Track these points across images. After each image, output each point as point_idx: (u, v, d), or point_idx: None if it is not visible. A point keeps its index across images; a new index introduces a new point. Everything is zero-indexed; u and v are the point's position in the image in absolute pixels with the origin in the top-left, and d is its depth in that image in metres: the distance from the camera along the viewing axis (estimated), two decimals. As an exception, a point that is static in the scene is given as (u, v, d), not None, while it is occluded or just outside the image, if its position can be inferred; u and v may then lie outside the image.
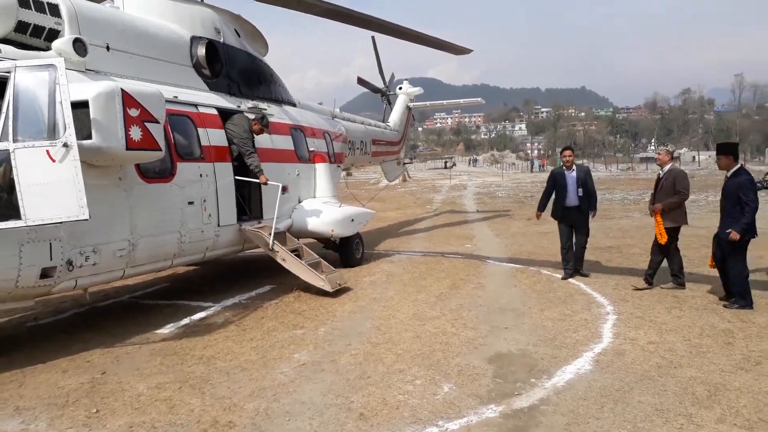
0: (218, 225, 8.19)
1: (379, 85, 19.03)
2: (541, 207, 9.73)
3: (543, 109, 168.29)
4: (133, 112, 6.30)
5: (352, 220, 10.81)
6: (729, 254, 7.28)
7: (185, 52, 8.59)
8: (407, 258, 11.63)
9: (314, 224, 10.17)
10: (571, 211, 9.28)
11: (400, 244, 13.97)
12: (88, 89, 5.99)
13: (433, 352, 5.87)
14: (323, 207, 10.50)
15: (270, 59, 11.06)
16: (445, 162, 79.14)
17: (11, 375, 5.47)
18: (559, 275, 9.33)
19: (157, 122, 6.61)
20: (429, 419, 4.37)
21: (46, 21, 6.67)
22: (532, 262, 10.76)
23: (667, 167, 8.38)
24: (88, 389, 5.09)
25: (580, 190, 9.18)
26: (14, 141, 5.32)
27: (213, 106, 8.64)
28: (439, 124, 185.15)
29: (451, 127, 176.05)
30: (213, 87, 9.03)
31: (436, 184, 42.74)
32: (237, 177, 8.61)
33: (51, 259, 5.84)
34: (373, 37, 16.96)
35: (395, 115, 18.73)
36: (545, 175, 10.10)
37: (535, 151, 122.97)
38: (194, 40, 8.72)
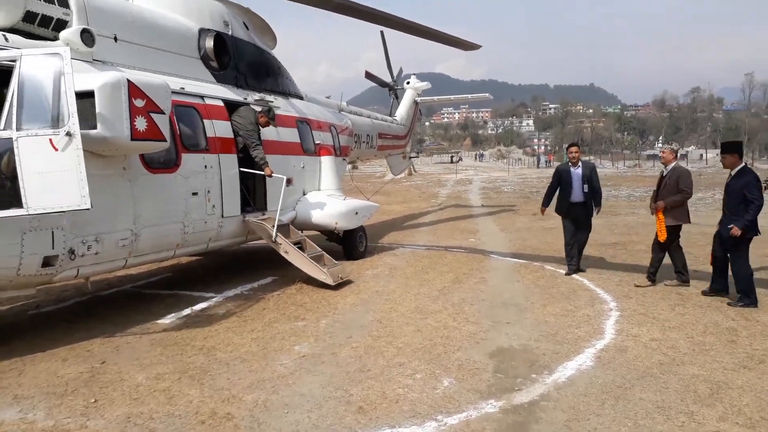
0: (222, 216, 8.18)
1: (387, 79, 18.96)
2: (546, 202, 9.70)
3: (551, 106, 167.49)
4: (139, 103, 6.28)
5: (356, 213, 10.79)
6: (732, 251, 7.25)
7: (193, 44, 8.58)
8: (411, 251, 11.61)
9: (318, 217, 10.16)
10: (576, 207, 9.24)
11: (403, 237, 13.94)
12: (94, 79, 5.97)
13: (434, 346, 5.84)
14: (327, 200, 10.48)
15: (280, 52, 11.03)
16: (452, 156, 79.08)
17: (11, 363, 5.47)
18: (562, 271, 9.29)
19: (163, 113, 6.59)
20: (428, 413, 4.34)
21: (55, 11, 6.68)
22: (536, 257, 10.72)
23: (671, 165, 8.33)
24: (87, 378, 5.09)
25: (586, 186, 9.15)
26: (18, 129, 5.31)
27: (219, 97, 8.63)
28: (446, 119, 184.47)
29: (459, 122, 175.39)
30: (220, 79, 9.02)
31: (441, 178, 42.69)
32: (242, 169, 8.59)
33: (53, 248, 5.84)
34: (382, 32, 16.89)
35: (402, 110, 18.68)
36: (551, 171, 10.05)
37: (542, 147, 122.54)
38: (202, 32, 8.71)
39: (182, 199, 7.49)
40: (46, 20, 6.61)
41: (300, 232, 9.43)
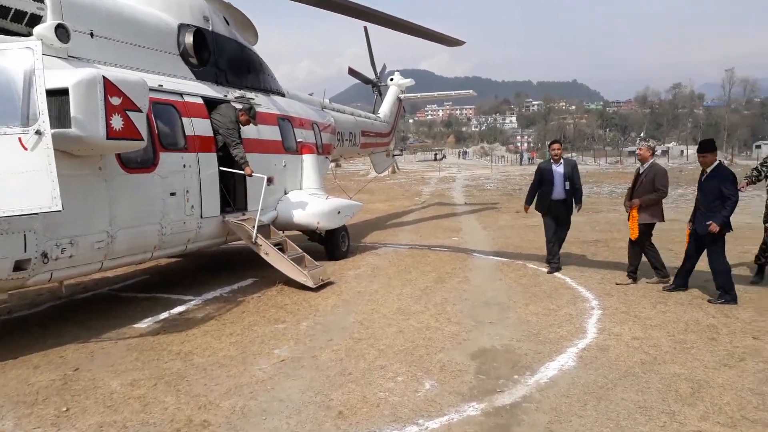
0: (201, 217, 8.04)
1: (371, 75, 18.86)
2: (529, 200, 9.70)
3: (534, 102, 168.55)
4: (115, 101, 6.12)
5: (339, 212, 10.69)
6: (709, 248, 7.32)
7: (172, 40, 8.41)
8: (393, 251, 11.54)
9: (300, 216, 10.05)
10: (557, 204, 9.26)
11: (387, 236, 13.88)
12: (68, 76, 5.82)
13: (416, 347, 5.78)
14: (309, 199, 10.37)
15: (262, 49, 10.88)
16: (435, 154, 79.08)
17: (-20, 371, 5.32)
18: (545, 269, 9.28)
19: (140, 111, 6.44)
20: (409, 417, 4.28)
21: (28, 6, 6.47)
22: (518, 255, 10.71)
23: (647, 163, 8.36)
24: (60, 386, 4.95)
25: (567, 183, 9.16)
26: (-16, 128, 5.14)
27: (199, 95, 8.47)
28: (430, 116, 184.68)
29: (442, 119, 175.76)
30: (200, 76, 8.85)
31: (425, 176, 42.67)
32: (221, 168, 8.46)
33: (25, 251, 5.67)
34: (365, 28, 16.77)
35: (386, 107, 18.58)
36: (534, 168, 10.06)
37: (525, 144, 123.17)
38: (182, 27, 8.53)
39: (160, 200, 7.34)
40: (19, 15, 6.40)
41: (281, 232, 9.32)
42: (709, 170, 7.44)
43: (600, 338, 5.96)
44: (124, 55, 7.43)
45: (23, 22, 6.44)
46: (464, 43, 15.12)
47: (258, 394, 4.73)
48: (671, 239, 10.90)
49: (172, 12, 8.50)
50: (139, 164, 7.08)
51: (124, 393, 4.80)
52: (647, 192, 8.16)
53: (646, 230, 8.24)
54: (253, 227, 8.35)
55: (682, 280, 7.77)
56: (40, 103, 5.30)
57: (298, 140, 10.99)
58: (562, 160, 9.33)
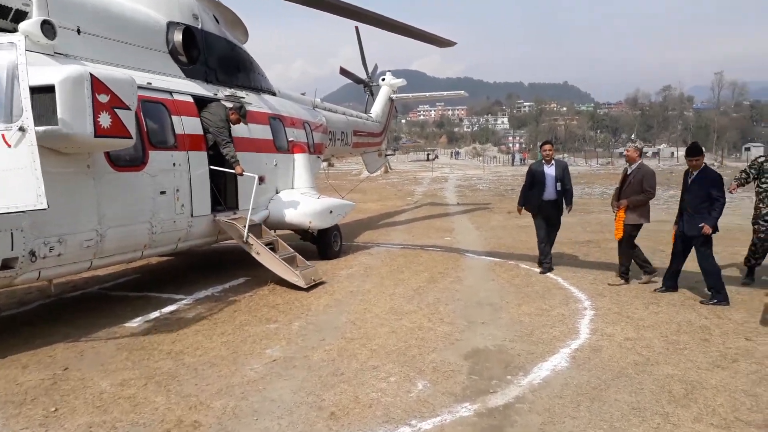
0: (191, 215, 7.97)
1: (363, 76, 18.81)
2: (522, 201, 9.68)
3: (525, 104, 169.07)
4: (103, 98, 6.05)
5: (331, 211, 10.65)
6: (699, 249, 7.37)
7: (161, 37, 8.32)
8: (386, 251, 11.51)
9: (291, 216, 9.99)
10: (548, 204, 9.27)
11: (379, 236, 13.84)
12: (55, 73, 5.73)
13: (408, 347, 5.75)
14: (301, 198, 10.32)
15: (255, 49, 10.81)
16: (428, 154, 79.26)
17: (-32, 371, 5.23)
18: (537, 269, 9.28)
19: (128, 109, 6.36)
20: (402, 418, 4.24)
21: (13, 1, 6.36)
22: (510, 255, 10.70)
23: (635, 164, 8.40)
24: (49, 386, 4.88)
25: (558, 184, 9.18)
26: (-34, 124, 5.06)
27: (189, 93, 8.39)
28: (422, 117, 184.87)
29: (434, 119, 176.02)
30: (189, 74, 8.77)
31: (417, 176, 42.68)
32: (212, 167, 8.39)
33: (12, 250, 5.57)
34: (356, 28, 16.71)
35: (377, 107, 18.54)
36: (526, 169, 10.07)
37: (517, 145, 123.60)
38: (171, 25, 8.45)
39: (150, 198, 7.27)
40: (4, 11, 6.29)
41: (273, 231, 9.26)
42: (696, 173, 7.47)
43: (593, 339, 5.95)
44: (112, 53, 7.34)
45: (8, 18, 6.34)
46: (455, 43, 15.11)
47: (249, 394, 4.68)
48: (662, 240, 10.94)
49: (161, 10, 8.42)
50: (129, 162, 7.01)
51: (114, 393, 4.73)
52: (635, 193, 8.21)
53: (633, 231, 8.30)
54: (244, 226, 8.28)
55: (671, 281, 7.80)
56: (24, 99, 5.23)
57: (290, 139, 10.93)
58: (553, 161, 9.34)
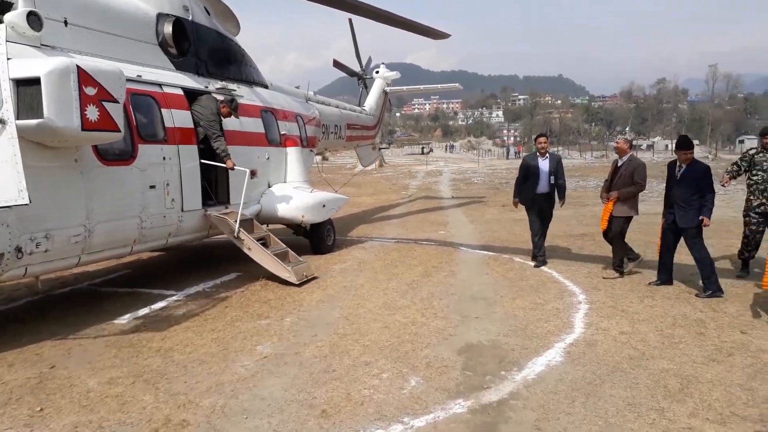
0: (182, 210, 7.86)
1: (356, 68, 18.66)
2: (517, 194, 9.61)
3: (520, 97, 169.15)
4: (90, 91, 5.92)
5: (324, 206, 10.56)
6: (692, 240, 7.35)
7: (151, 29, 8.18)
8: (380, 245, 11.43)
9: (284, 210, 9.90)
10: (542, 197, 9.21)
11: (373, 230, 13.76)
12: (40, 65, 5.60)
13: (401, 343, 5.68)
14: (294, 192, 10.22)
15: (247, 41, 10.66)
16: (422, 148, 79.20)
17: (-48, 370, 5.13)
18: (531, 263, 9.23)
19: (117, 102, 6.24)
20: (394, 416, 4.18)
21: None
22: (505, 249, 10.65)
23: (626, 156, 8.38)
24: (35, 385, 4.79)
25: (552, 177, 9.13)
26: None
27: (179, 86, 8.27)
28: (417, 110, 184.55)
29: (429, 112, 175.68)
30: (180, 66, 8.64)
31: (412, 169, 42.62)
32: (203, 161, 8.28)
33: (-3, 246, 5.48)
34: (350, 20, 16.57)
35: (371, 100, 18.42)
36: (520, 162, 10.00)
37: (512, 138, 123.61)
38: (160, 17, 8.31)
39: (139, 193, 7.16)
40: None
41: (265, 226, 9.16)
42: (685, 165, 7.43)
43: (587, 333, 5.90)
44: (100, 45, 7.20)
45: None
46: (450, 36, 14.99)
47: (239, 392, 4.60)
48: (655, 233, 10.86)
49: (151, 1, 8.27)
50: (117, 156, 6.89)
51: (101, 391, 4.65)
52: (626, 185, 8.22)
53: (625, 224, 8.33)
54: (236, 221, 8.18)
55: (666, 275, 7.74)
56: (3, 91, 5.10)
57: (282, 133, 10.82)
58: (548, 154, 9.28)
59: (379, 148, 20.70)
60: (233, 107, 8.69)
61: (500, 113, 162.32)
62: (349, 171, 32.99)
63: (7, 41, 5.59)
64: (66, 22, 6.82)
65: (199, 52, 9.05)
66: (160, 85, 7.87)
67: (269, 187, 10.20)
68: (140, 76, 7.50)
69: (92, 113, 5.92)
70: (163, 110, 7.74)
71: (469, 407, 4.31)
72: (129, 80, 6.74)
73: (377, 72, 19.09)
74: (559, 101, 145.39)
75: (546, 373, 4.92)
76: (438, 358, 5.28)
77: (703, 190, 7.25)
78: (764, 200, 7.90)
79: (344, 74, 18.81)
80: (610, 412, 4.18)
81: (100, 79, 6.00)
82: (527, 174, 9.25)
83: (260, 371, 5.02)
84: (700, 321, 6.22)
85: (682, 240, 7.50)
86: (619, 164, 8.44)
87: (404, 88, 22.48)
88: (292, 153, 10.93)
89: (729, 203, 16.09)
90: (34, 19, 6.18)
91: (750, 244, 8.18)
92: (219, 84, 9.24)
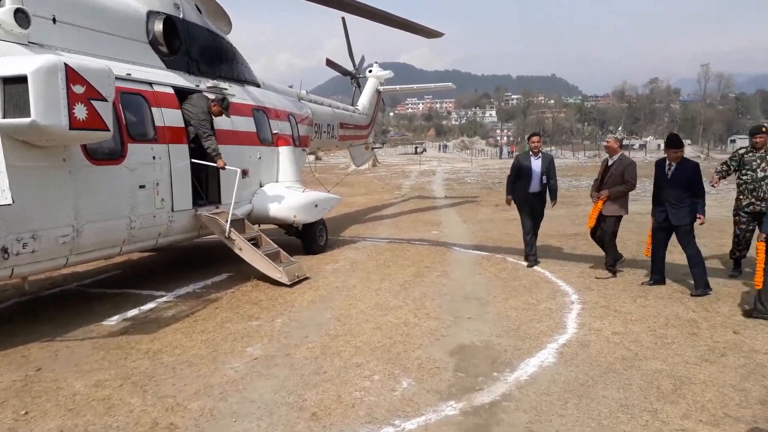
0: (172, 210, 7.79)
1: (349, 67, 18.59)
2: (510, 192, 9.58)
3: (513, 96, 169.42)
4: (78, 89, 5.84)
5: (316, 205, 10.49)
6: (684, 237, 7.38)
7: (141, 27, 8.09)
8: (372, 245, 11.38)
9: (276, 210, 9.83)
10: (533, 196, 9.19)
11: (365, 230, 13.71)
12: (27, 63, 5.52)
13: (393, 344, 5.63)
14: (286, 192, 10.15)
15: (239, 40, 10.58)
16: (416, 147, 79.19)
17: (-64, 373, 5.04)
18: (524, 263, 9.20)
19: (105, 100, 6.16)
20: (385, 418, 4.13)
21: None
22: (498, 249, 10.62)
23: (616, 156, 8.39)
24: (20, 388, 4.71)
25: (544, 177, 9.11)
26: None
27: (169, 84, 8.18)
28: (410, 110, 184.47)
29: (422, 112, 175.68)
30: (170, 65, 8.55)
31: (405, 169, 42.57)
32: (193, 160, 8.20)
33: (-18, 247, 5.40)
34: (343, 18, 16.51)
35: (364, 99, 18.35)
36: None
37: (505, 138, 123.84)
38: (151, 15, 8.22)
39: (128, 193, 7.08)
40: None
41: (256, 226, 9.09)
42: (675, 164, 7.42)
43: (580, 333, 5.87)
44: (88, 43, 7.12)
45: None
46: (443, 34, 14.93)
47: (228, 394, 4.55)
48: (647, 231, 10.87)
49: None
50: (106, 156, 6.81)
51: (88, 394, 4.58)
52: (617, 184, 8.24)
53: (616, 224, 8.38)
54: (227, 221, 8.11)
55: (658, 275, 7.74)
56: None
57: (274, 132, 10.75)
58: (540, 154, 9.26)
59: (372, 148, 20.65)
60: (224, 106, 8.62)
61: (493, 113, 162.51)
62: (342, 170, 32.92)
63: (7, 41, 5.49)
64: (54, 20, 6.75)
65: (190, 50, 8.97)
66: (150, 83, 7.78)
67: (261, 186, 10.12)
68: (130, 75, 7.42)
69: (80, 112, 5.85)
70: (153, 109, 7.66)
71: (461, 409, 4.27)
72: (118, 78, 6.67)
73: (370, 71, 19.03)
74: (552, 101, 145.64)
75: (539, 374, 4.89)
76: (430, 359, 5.24)
77: (694, 188, 7.29)
78: (753, 199, 7.91)
79: (337, 73, 18.73)
80: (603, 414, 4.15)
81: (88, 78, 5.92)
82: (519, 173, 9.23)
83: (250, 373, 4.96)
84: (693, 321, 6.20)
85: (674, 240, 7.50)
86: (609, 163, 8.45)
87: (397, 87, 22.42)
88: (284, 152, 10.86)
89: (722, 203, 16.13)
90: (21, 17, 6.12)
91: (740, 243, 8.19)
92: (210, 83, 9.17)
